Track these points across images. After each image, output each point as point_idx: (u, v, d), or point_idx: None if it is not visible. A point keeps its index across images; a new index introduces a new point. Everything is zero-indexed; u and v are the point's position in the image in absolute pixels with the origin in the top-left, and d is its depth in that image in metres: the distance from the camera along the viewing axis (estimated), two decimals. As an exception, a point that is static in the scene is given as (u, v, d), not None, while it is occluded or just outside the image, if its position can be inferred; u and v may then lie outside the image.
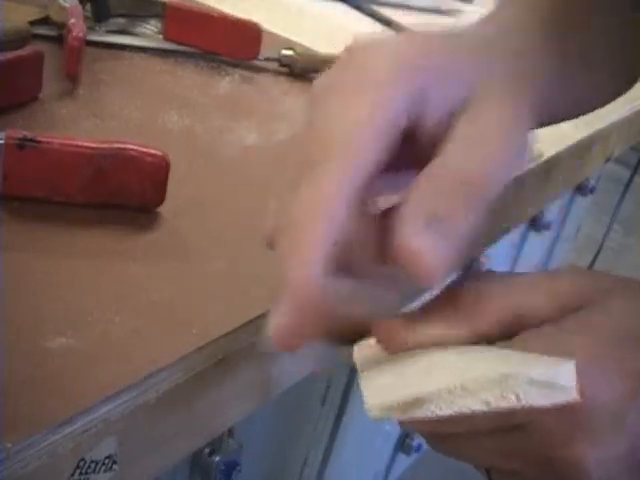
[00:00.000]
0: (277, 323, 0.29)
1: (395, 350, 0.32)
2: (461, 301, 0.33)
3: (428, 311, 0.33)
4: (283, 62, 0.71)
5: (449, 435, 0.31)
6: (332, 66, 0.33)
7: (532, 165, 0.69)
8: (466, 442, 0.31)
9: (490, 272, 0.34)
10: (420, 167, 0.30)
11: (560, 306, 0.32)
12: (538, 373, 0.21)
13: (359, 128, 0.29)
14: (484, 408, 0.21)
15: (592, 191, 1.20)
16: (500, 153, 0.30)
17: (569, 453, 0.29)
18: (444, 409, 0.21)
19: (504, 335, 0.32)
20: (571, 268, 0.34)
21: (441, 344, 0.30)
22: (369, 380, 0.30)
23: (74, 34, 0.57)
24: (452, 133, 0.30)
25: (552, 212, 1.06)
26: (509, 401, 0.20)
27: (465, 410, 0.21)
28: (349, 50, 0.33)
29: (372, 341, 0.33)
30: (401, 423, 0.30)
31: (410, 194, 0.29)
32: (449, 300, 0.33)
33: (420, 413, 0.22)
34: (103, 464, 0.31)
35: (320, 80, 0.33)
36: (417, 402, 0.22)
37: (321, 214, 0.28)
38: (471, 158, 0.29)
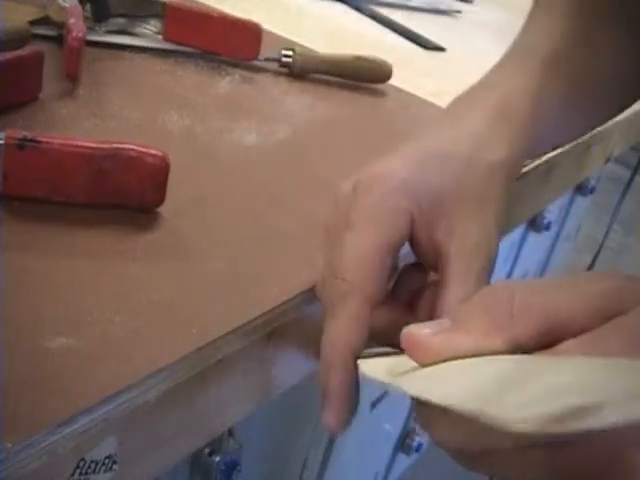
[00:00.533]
0: (326, 416, 0.39)
1: (427, 360, 0.31)
2: (495, 310, 0.31)
3: (460, 321, 0.32)
4: (283, 62, 0.71)
5: (490, 450, 0.29)
6: (340, 202, 0.41)
7: (532, 165, 0.69)
8: (509, 457, 0.29)
9: (519, 280, 0.34)
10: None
11: (598, 312, 0.30)
12: None
13: (366, 267, 0.38)
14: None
15: (592, 191, 1.20)
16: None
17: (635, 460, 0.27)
18: (619, 417, 0.21)
19: (540, 344, 0.30)
20: (607, 273, 0.33)
21: (474, 355, 0.29)
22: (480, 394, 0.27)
23: (74, 34, 0.57)
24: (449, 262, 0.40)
25: (552, 212, 1.06)
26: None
27: (633, 418, 0.21)
28: (354, 191, 0.40)
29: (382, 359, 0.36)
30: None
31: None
32: (481, 309, 0.32)
33: (592, 422, 0.21)
34: (103, 464, 0.31)
35: (332, 218, 0.41)
36: (583, 411, 0.21)
37: (343, 343, 0.38)
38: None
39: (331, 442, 0.77)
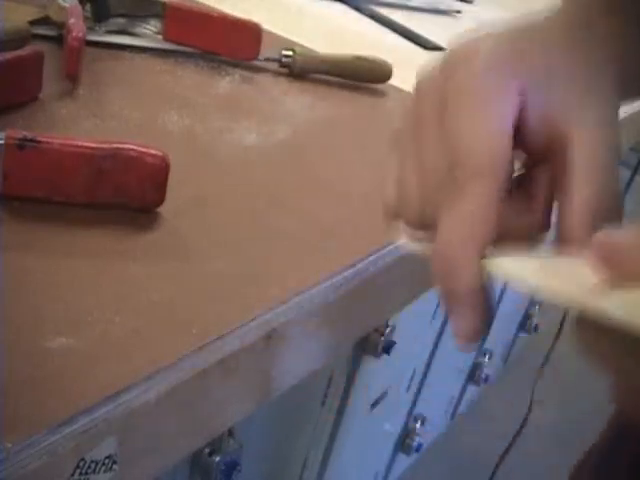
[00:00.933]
0: (458, 326, 0.32)
1: (623, 279, 0.25)
2: None
3: None
4: (283, 62, 0.71)
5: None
6: (436, 67, 0.35)
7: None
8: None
9: None
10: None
11: None
12: None
13: (493, 150, 0.32)
14: None
15: (592, 191, 1.19)
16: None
17: None
18: None
19: None
20: None
21: None
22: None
23: (74, 34, 0.57)
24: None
25: (552, 212, 1.06)
26: None
27: None
28: (452, 53, 0.35)
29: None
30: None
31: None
32: None
33: None
34: (103, 464, 0.31)
35: (426, 80, 0.35)
36: None
37: (473, 239, 0.32)
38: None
39: (331, 442, 0.77)
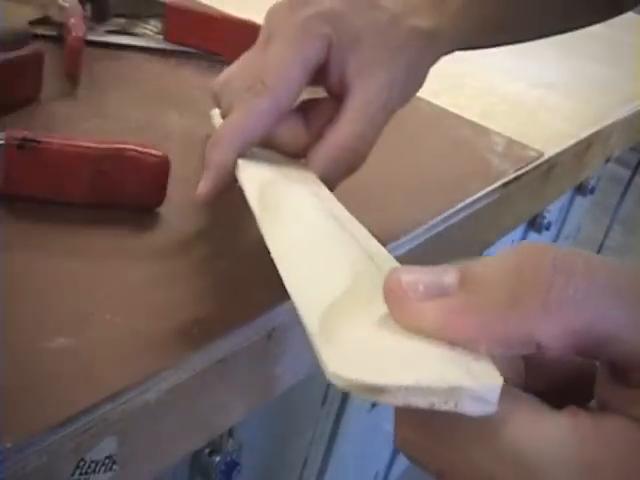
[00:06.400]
0: (200, 186, 0.41)
1: (403, 323, 0.24)
2: (526, 294, 0.22)
3: (470, 287, 0.23)
4: (283, 62, 0.71)
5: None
6: (268, 18, 0.45)
7: (532, 165, 0.69)
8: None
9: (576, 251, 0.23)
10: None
11: None
12: (479, 388, 0.22)
13: (281, 75, 0.42)
14: (427, 407, 0.21)
15: (592, 191, 1.20)
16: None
17: None
18: (399, 401, 0.22)
19: (566, 351, 0.22)
20: None
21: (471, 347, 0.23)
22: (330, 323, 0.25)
23: (74, 34, 0.57)
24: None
25: (552, 212, 1.06)
26: (449, 407, 0.21)
27: (413, 405, 0.22)
28: (289, 8, 0.44)
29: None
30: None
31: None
32: (508, 283, 0.22)
33: (382, 399, 0.22)
34: (103, 464, 0.31)
35: (276, 9, 0.45)
36: (378, 390, 0.22)
37: (237, 131, 0.42)
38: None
39: (331, 442, 0.77)
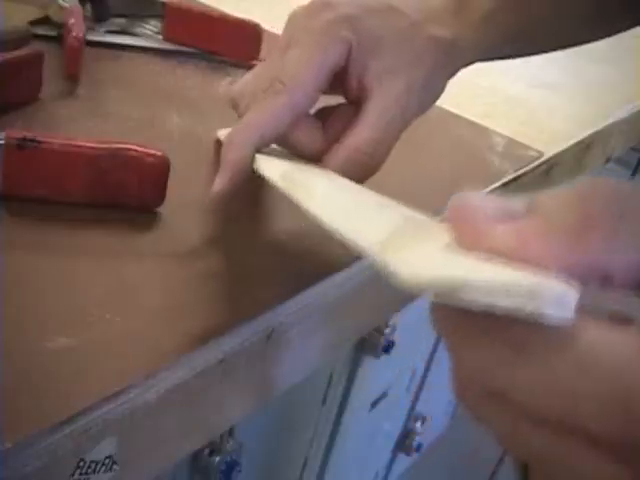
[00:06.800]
0: (215, 183, 0.42)
1: (469, 245, 0.23)
2: (590, 223, 0.22)
3: (538, 212, 0.23)
4: (283, 62, 0.71)
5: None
6: (304, 8, 0.45)
7: (532, 165, 0.69)
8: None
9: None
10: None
11: None
12: (559, 292, 0.21)
13: (299, 77, 0.42)
14: (508, 310, 0.21)
15: (592, 191, 1.19)
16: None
17: None
18: (480, 300, 0.21)
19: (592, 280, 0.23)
20: None
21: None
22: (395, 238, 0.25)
23: (74, 34, 0.57)
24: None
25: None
26: (530, 310, 0.21)
27: (494, 306, 0.21)
28: (307, 13, 0.45)
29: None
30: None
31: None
32: (574, 210, 0.22)
33: (462, 296, 0.21)
34: (103, 464, 0.31)
35: (295, 16, 0.46)
36: (459, 286, 0.20)
37: (252, 130, 0.42)
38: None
39: (331, 442, 0.77)
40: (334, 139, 0.44)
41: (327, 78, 0.43)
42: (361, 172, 0.43)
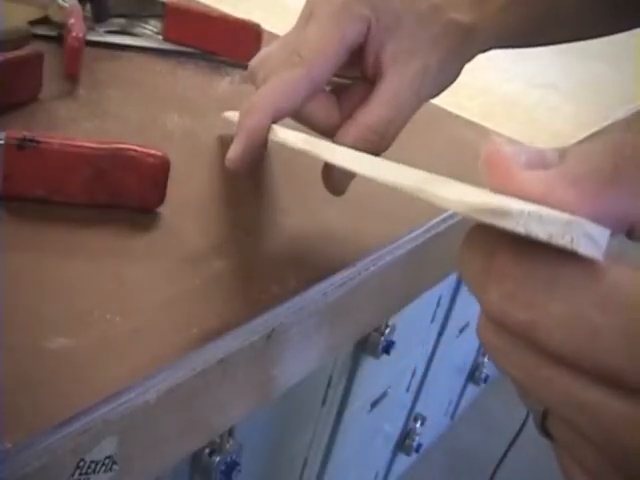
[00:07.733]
0: (232, 149, 0.42)
1: (498, 188, 0.24)
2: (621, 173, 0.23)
3: (570, 163, 0.23)
4: (283, 62, 0.71)
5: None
6: None
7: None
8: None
9: None
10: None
11: None
12: (593, 227, 0.22)
13: (318, 50, 0.42)
14: (545, 239, 0.21)
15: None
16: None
17: None
18: (520, 227, 0.22)
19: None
20: None
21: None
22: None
23: (74, 34, 0.57)
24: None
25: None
26: (565, 242, 0.21)
27: (532, 234, 0.22)
28: None
29: None
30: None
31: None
32: (605, 163, 0.23)
33: (503, 222, 0.22)
34: (103, 464, 0.31)
35: (302, 9, 0.45)
36: (501, 213, 0.21)
37: (270, 98, 0.42)
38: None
39: (331, 442, 0.77)
40: (348, 115, 0.44)
41: (345, 54, 0.43)
42: (370, 150, 0.43)
